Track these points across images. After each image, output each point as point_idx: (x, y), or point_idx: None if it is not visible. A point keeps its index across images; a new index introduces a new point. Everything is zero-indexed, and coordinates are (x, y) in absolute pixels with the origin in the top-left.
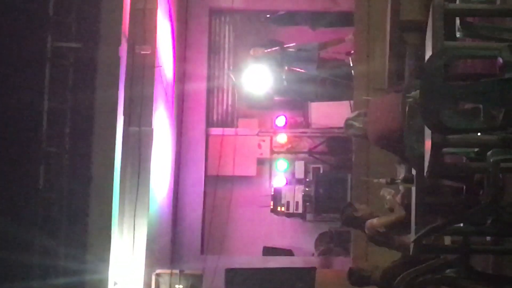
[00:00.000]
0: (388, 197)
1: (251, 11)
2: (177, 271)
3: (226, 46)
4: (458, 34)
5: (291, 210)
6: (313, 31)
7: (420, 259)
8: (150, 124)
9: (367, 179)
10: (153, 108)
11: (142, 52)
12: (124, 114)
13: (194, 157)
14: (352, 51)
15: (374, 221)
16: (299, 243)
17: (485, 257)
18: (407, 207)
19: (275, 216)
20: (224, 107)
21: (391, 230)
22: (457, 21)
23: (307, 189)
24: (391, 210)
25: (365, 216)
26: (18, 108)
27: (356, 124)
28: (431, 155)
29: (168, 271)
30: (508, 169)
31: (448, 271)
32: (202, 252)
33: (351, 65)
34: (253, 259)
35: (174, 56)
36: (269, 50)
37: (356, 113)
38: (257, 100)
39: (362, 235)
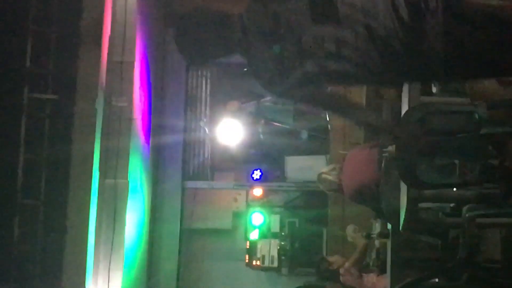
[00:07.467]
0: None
1: (228, 64)
2: None
3: (203, 99)
4: (434, 90)
5: (266, 264)
6: None
7: None
8: (126, 176)
9: (342, 233)
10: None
11: (119, 104)
12: (100, 166)
13: (170, 209)
14: None
15: (346, 265)
16: None
17: None
18: (383, 263)
19: (250, 270)
20: (201, 160)
21: (360, 264)
22: None
23: (282, 243)
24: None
25: (340, 267)
26: None
27: (330, 178)
28: (406, 210)
29: None
30: (484, 224)
31: None
32: None
33: (328, 119)
34: None
35: (150, 108)
36: (245, 103)
37: (330, 167)
38: (233, 154)
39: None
